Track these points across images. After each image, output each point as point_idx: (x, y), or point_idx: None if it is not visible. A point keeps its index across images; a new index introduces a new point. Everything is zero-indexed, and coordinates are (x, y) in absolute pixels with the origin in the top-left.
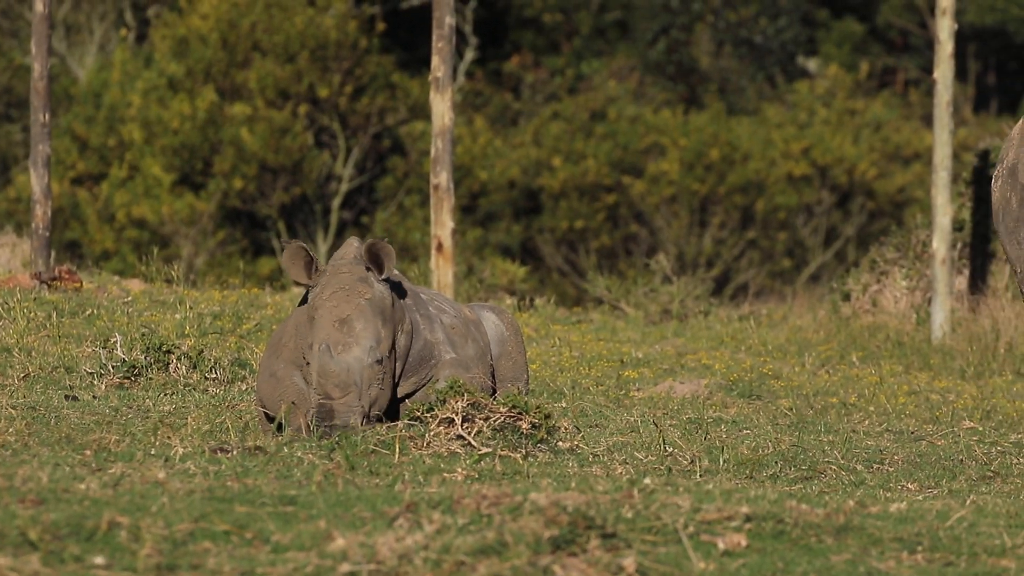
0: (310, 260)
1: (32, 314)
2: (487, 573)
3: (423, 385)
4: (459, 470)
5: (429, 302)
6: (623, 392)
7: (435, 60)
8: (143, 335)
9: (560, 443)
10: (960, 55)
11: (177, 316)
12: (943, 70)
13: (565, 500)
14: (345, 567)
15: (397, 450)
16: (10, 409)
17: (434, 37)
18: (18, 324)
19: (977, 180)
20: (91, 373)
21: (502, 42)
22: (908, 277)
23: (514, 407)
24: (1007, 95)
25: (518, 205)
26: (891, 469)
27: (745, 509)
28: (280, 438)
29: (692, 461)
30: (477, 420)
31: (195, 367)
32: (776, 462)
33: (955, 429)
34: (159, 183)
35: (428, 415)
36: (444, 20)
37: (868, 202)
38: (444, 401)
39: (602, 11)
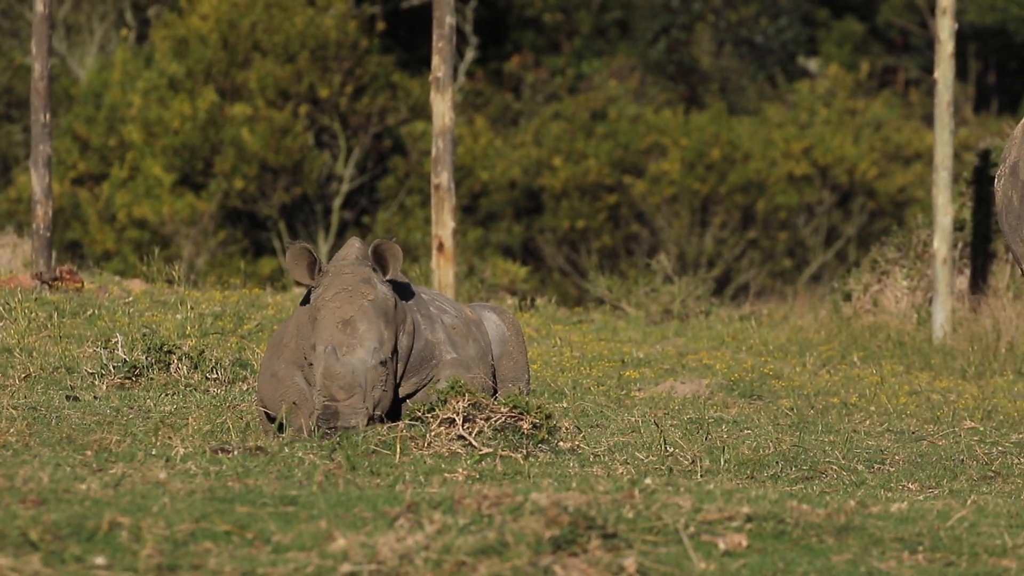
0: (313, 261)
1: (33, 314)
2: (488, 573)
3: (424, 385)
4: (460, 470)
5: (430, 302)
6: (624, 392)
7: (436, 60)
8: (144, 335)
9: (561, 443)
10: (961, 55)
11: (178, 316)
12: (944, 70)
13: (566, 500)
14: (346, 567)
15: (398, 450)
16: (11, 409)
17: (434, 37)
18: (19, 324)
19: (978, 180)
20: (92, 373)
21: (503, 42)
22: (909, 277)
23: (515, 407)
24: (1008, 95)
25: (519, 205)
26: (892, 469)
27: (746, 509)
28: (281, 438)
29: (693, 461)
30: (478, 420)
31: (196, 367)
32: (777, 462)
33: (956, 429)
34: (160, 183)
35: (429, 415)
36: (444, 20)
37: (869, 202)
38: (445, 401)
39: (602, 11)
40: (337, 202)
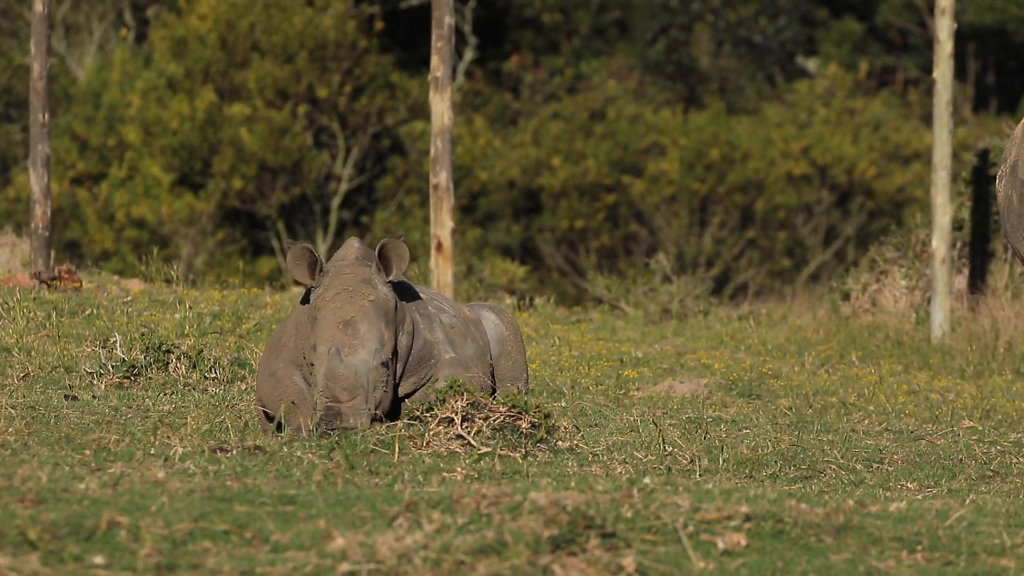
0: (314, 261)
1: (32, 314)
2: (487, 572)
3: (423, 385)
4: (459, 469)
5: (428, 301)
6: (623, 391)
7: (434, 60)
8: (143, 335)
9: (560, 442)
10: (959, 54)
11: (177, 316)
12: (942, 69)
13: (565, 499)
14: (345, 566)
15: (397, 449)
16: (10, 409)
17: (433, 37)
18: (18, 324)
19: (977, 179)
20: (91, 373)
21: (501, 42)
22: (908, 276)
23: (514, 406)
24: (1006, 94)
25: (518, 205)
26: (890, 468)
27: (745, 508)
28: (280, 438)
29: (692, 460)
30: (477, 419)
31: (195, 367)
32: (775, 461)
33: (954, 428)
34: (158, 183)
35: (428, 415)
36: (443, 20)
37: (868, 201)
38: (444, 401)
39: (601, 11)
40: (336, 202)
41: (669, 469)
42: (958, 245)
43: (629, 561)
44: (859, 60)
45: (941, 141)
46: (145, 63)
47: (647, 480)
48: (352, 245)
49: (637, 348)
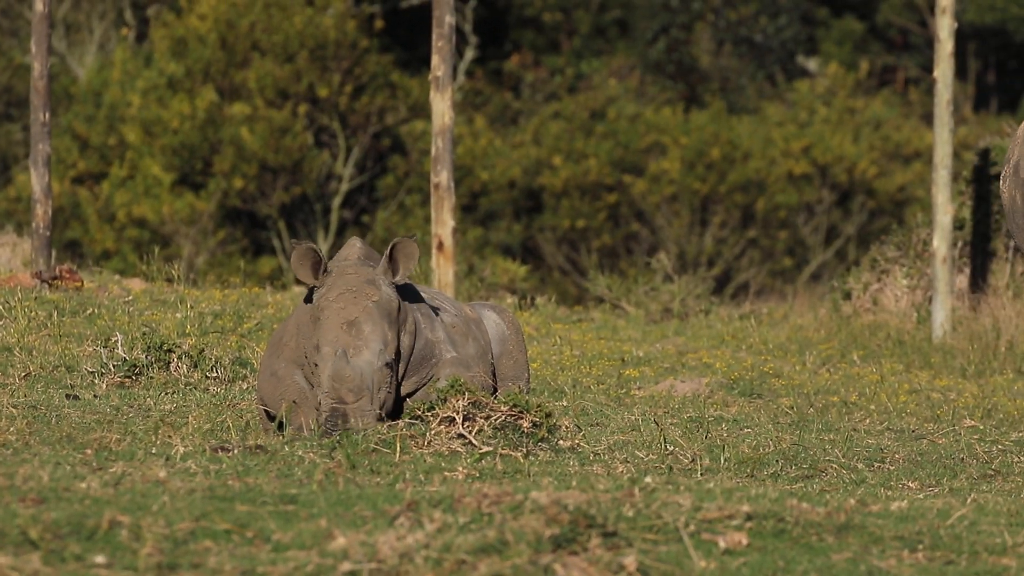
0: (318, 261)
1: (33, 313)
2: (488, 572)
3: (424, 384)
4: (460, 469)
5: (430, 301)
6: (624, 391)
7: (435, 59)
8: (144, 334)
9: (561, 442)
10: (960, 54)
11: (178, 315)
12: (943, 69)
13: (566, 499)
14: (346, 566)
15: (398, 449)
16: (11, 408)
17: (434, 36)
18: (19, 323)
19: (977, 179)
20: (92, 372)
21: (502, 41)
22: (909, 276)
23: (515, 406)
24: (1007, 94)
25: (519, 204)
26: (892, 468)
27: (746, 508)
28: (281, 437)
29: (693, 460)
30: (478, 419)
31: (196, 366)
32: (777, 461)
33: (956, 427)
34: (159, 183)
35: (429, 414)
36: (444, 19)
37: (868, 201)
38: (445, 400)
39: (602, 10)
40: (336, 201)
41: (670, 468)
42: (959, 244)
43: (630, 560)
44: (860, 59)
45: (942, 140)
46: (146, 62)
47: (648, 479)
48: (354, 245)
49: (638, 347)
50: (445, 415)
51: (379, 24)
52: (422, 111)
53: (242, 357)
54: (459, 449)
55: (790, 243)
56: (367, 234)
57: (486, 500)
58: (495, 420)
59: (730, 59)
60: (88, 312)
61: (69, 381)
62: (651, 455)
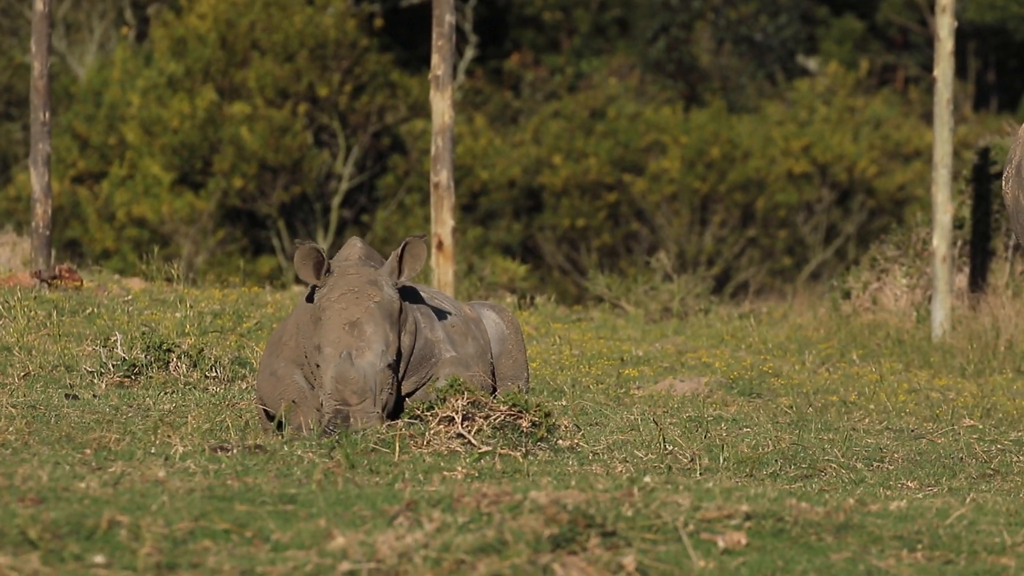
0: (321, 261)
1: (32, 313)
2: (487, 571)
3: (423, 383)
4: (459, 468)
5: (429, 300)
6: (623, 390)
7: (435, 58)
8: (143, 334)
9: (560, 441)
10: (960, 53)
11: (177, 315)
12: (943, 68)
13: (565, 498)
14: (345, 565)
15: (397, 448)
16: (10, 408)
17: (434, 35)
18: (18, 323)
19: (977, 178)
20: (91, 372)
21: (502, 40)
22: (908, 275)
23: (514, 405)
24: (1007, 93)
25: (518, 203)
26: (891, 467)
27: (745, 507)
28: (280, 437)
29: (692, 459)
30: (477, 418)
31: (195, 366)
32: (776, 460)
33: (955, 427)
34: (159, 182)
35: (428, 413)
36: (444, 18)
37: (868, 200)
38: (444, 399)
39: (602, 9)
40: (336, 200)
41: (669, 468)
42: (959, 243)
43: (629, 560)
44: (860, 58)
45: (942, 139)
46: (146, 62)
47: (647, 479)
48: (355, 245)
49: (638, 347)
50: (444, 415)
51: (379, 23)
52: (422, 110)
53: (241, 357)
54: (458, 449)
55: (790, 242)
56: (367, 233)
57: (485, 500)
58: (494, 420)
59: (730, 58)
60: (87, 312)
61: (68, 381)
62: (650, 455)
